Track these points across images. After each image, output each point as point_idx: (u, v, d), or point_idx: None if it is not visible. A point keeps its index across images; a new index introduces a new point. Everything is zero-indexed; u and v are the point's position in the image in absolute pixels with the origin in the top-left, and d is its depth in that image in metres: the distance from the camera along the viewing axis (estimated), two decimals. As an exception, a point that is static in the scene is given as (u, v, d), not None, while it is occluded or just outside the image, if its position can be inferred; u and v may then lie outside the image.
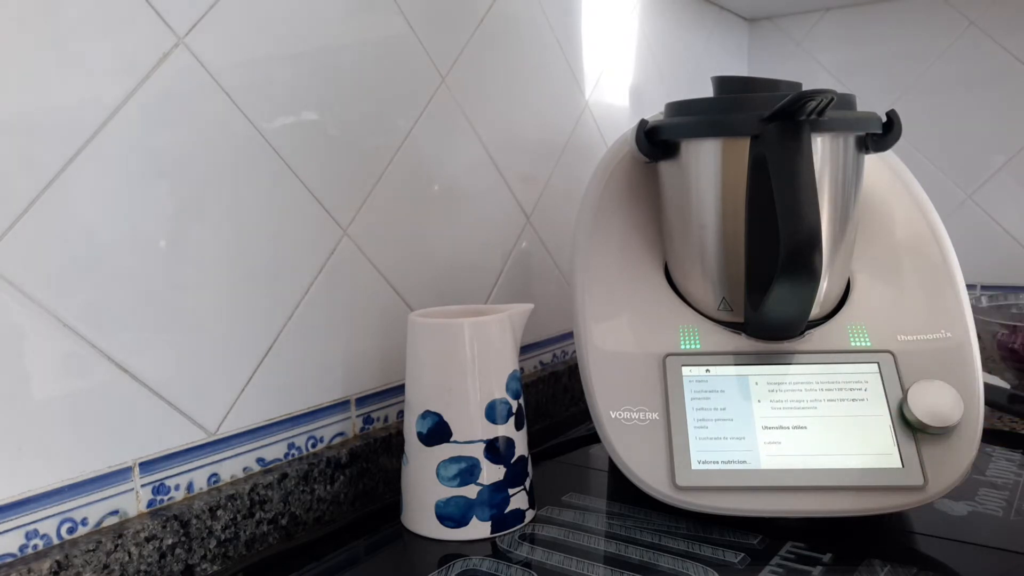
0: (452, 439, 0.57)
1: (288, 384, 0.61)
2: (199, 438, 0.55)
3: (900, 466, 0.55)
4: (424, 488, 0.57)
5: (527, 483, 0.60)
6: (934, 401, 0.56)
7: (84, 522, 0.49)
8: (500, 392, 0.58)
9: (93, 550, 0.47)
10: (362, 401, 0.67)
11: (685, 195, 0.63)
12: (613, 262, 0.66)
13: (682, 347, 0.62)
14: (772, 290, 0.55)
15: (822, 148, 0.58)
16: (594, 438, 0.65)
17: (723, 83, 0.66)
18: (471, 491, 0.57)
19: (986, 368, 0.79)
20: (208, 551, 0.54)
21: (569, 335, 0.94)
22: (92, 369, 0.49)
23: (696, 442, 0.58)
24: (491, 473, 0.57)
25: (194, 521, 0.53)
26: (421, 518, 0.58)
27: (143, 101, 0.50)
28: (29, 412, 0.46)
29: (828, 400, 0.59)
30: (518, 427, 0.59)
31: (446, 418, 0.57)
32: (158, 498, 0.53)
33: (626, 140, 0.68)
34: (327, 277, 0.63)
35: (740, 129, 0.58)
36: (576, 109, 0.93)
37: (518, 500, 0.59)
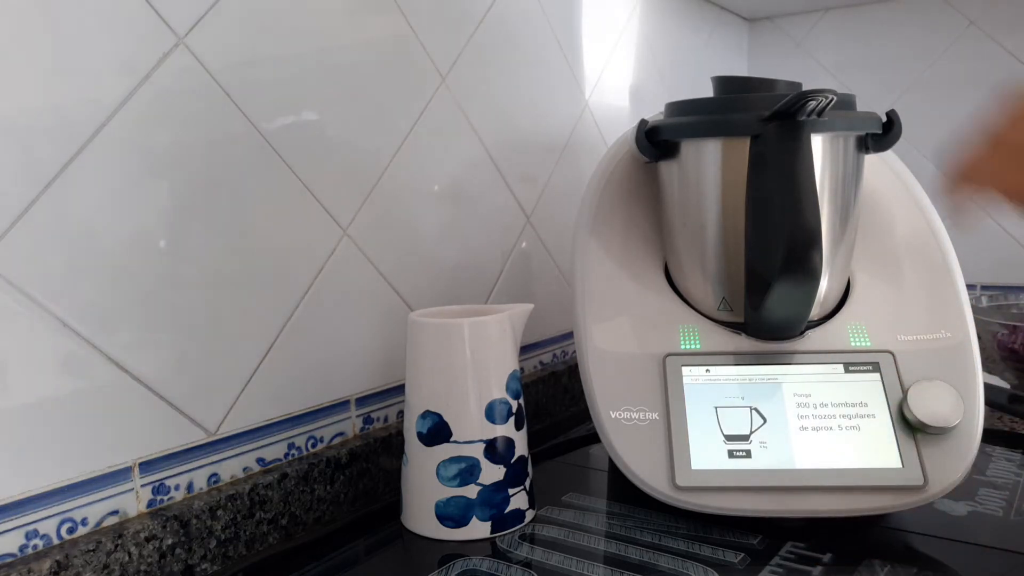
0: (452, 439, 0.57)
1: (288, 384, 0.61)
2: (199, 438, 0.55)
3: (900, 466, 0.55)
4: (424, 488, 0.57)
5: (527, 483, 0.60)
6: (934, 401, 0.56)
7: (84, 522, 0.49)
8: (500, 392, 0.58)
9: (93, 550, 0.47)
10: (362, 401, 0.67)
11: (685, 195, 0.63)
12: (613, 262, 0.66)
13: (682, 347, 0.62)
14: (772, 290, 0.55)
15: (822, 148, 0.58)
16: (594, 438, 0.65)
17: (723, 83, 0.65)
18: (471, 491, 0.57)
19: (986, 368, 0.79)
20: (208, 551, 0.54)
21: (569, 335, 0.94)
22: (92, 369, 0.49)
23: (696, 442, 0.58)
24: (491, 473, 0.57)
25: (194, 521, 0.53)
26: (421, 518, 0.58)
27: (143, 101, 0.50)
28: (29, 412, 0.46)
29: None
30: (518, 427, 0.59)
31: (446, 418, 0.57)
32: (158, 498, 0.53)
33: (626, 140, 0.68)
34: (327, 277, 0.63)
35: (740, 129, 0.58)
36: (576, 109, 0.93)
37: (518, 500, 0.59)
